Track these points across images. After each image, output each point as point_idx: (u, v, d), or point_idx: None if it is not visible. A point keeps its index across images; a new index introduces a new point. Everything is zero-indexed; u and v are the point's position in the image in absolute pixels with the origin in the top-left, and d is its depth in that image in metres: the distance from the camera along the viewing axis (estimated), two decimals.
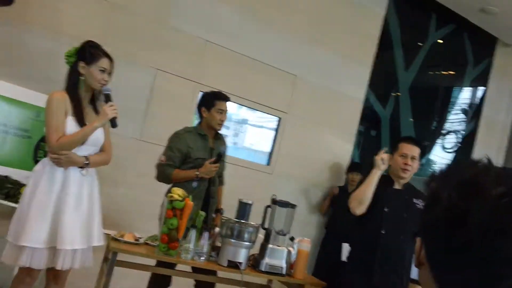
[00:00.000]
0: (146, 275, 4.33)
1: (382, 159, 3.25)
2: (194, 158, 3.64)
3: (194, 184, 3.60)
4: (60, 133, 2.82)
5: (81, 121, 2.89)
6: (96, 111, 3.04)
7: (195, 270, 3.58)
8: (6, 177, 3.79)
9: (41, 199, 2.76)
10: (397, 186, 3.35)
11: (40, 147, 4.02)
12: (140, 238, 3.21)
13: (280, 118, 5.55)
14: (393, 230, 3.23)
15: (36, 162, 3.91)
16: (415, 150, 3.30)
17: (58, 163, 2.81)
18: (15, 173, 3.85)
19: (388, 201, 3.27)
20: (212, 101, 3.74)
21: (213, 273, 3.54)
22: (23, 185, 3.71)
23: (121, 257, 3.01)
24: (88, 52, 2.95)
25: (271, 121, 5.63)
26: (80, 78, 2.95)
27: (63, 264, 2.79)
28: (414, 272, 3.36)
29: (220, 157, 3.62)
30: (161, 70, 4.83)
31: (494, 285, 0.84)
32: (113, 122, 2.97)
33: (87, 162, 2.90)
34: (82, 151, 2.90)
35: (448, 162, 7.22)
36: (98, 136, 2.96)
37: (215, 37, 5.08)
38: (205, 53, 5.05)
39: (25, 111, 3.98)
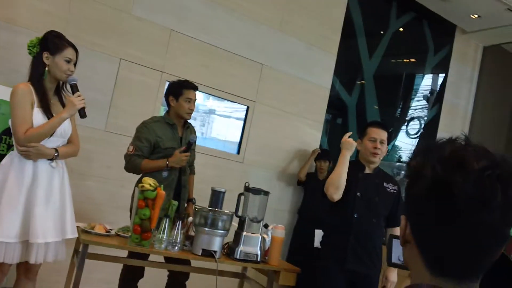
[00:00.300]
0: (117, 268, 4.25)
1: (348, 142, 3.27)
2: (164, 148, 3.57)
3: (165, 173, 3.54)
4: (28, 125, 2.74)
5: (48, 113, 2.81)
6: (62, 102, 2.97)
7: (168, 260, 3.54)
8: None
9: (11, 193, 2.69)
10: (367, 170, 3.38)
11: (2, 140, 3.88)
12: (111, 229, 3.14)
13: (248, 107, 5.53)
14: (365, 214, 3.27)
15: None
16: (383, 134, 3.34)
17: (27, 155, 2.74)
18: None
19: (360, 186, 3.30)
20: (179, 90, 3.68)
21: (187, 262, 3.51)
22: None
23: (91, 249, 2.94)
24: (52, 42, 2.87)
25: (239, 111, 5.60)
26: (45, 69, 2.86)
27: (37, 258, 2.74)
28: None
29: (190, 146, 3.56)
30: (125, 60, 4.73)
31: (480, 254, 0.88)
32: (81, 113, 2.90)
33: (56, 154, 2.83)
34: (50, 143, 2.83)
35: (414, 147, 7.35)
36: (65, 127, 2.90)
37: (180, 26, 5.01)
38: (170, 43, 4.98)
39: None
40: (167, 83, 4.95)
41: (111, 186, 4.68)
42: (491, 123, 7.46)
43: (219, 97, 5.42)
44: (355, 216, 3.24)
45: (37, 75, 2.86)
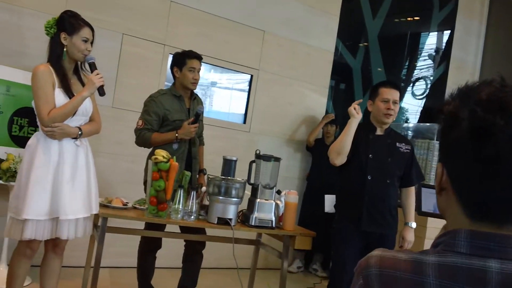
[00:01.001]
0: (133, 241, 4.32)
1: (355, 109, 3.23)
2: (172, 120, 3.57)
3: (175, 146, 3.55)
4: (51, 105, 2.78)
5: (69, 92, 2.84)
6: (81, 81, 2.99)
7: (184, 230, 3.59)
8: None
9: (39, 172, 2.74)
10: (379, 132, 3.35)
11: (14, 122, 3.91)
12: (128, 203, 3.19)
13: (251, 76, 5.51)
14: (379, 175, 3.26)
15: (12, 137, 3.84)
16: (396, 94, 3.29)
17: (52, 135, 2.78)
18: None
19: (372, 148, 3.29)
20: (183, 60, 3.65)
21: (202, 232, 3.56)
22: (2, 160, 3.64)
23: (109, 223, 3.00)
24: (68, 23, 2.87)
25: (241, 82, 5.59)
26: (63, 49, 2.87)
27: (68, 234, 2.81)
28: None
29: (198, 117, 3.55)
30: (128, 35, 4.71)
31: None
32: (100, 90, 2.92)
33: (80, 132, 2.88)
34: (73, 122, 2.87)
35: (420, 108, 7.33)
36: (87, 106, 2.93)
37: None
38: (171, 14, 4.94)
39: None
40: (171, 56, 4.95)
41: (122, 162, 4.71)
42: None
43: (222, 67, 5.40)
44: (369, 178, 3.24)
45: (55, 56, 2.87)
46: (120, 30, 4.67)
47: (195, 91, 3.76)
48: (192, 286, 3.72)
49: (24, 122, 3.95)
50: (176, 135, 3.51)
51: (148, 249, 3.63)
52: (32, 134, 3.89)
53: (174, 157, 3.09)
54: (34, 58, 4.12)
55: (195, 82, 3.65)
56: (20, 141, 3.92)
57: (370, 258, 0.95)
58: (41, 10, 4.26)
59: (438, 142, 4.95)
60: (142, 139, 3.59)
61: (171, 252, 4.07)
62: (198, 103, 3.80)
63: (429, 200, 1.20)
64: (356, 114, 3.19)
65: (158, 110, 3.57)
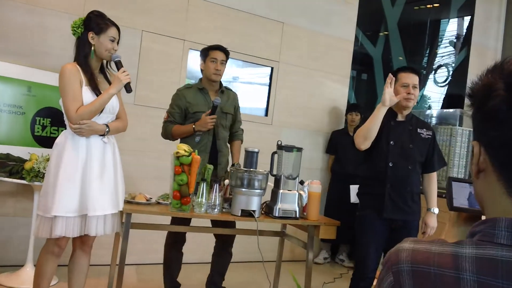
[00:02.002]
0: (155, 237, 4.36)
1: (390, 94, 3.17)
2: (192, 112, 3.63)
3: (197, 138, 3.60)
4: (78, 103, 2.81)
5: (96, 90, 2.88)
6: (107, 79, 3.03)
7: (215, 225, 3.63)
8: (7, 155, 3.75)
9: (67, 169, 2.78)
10: (400, 118, 3.33)
11: (37, 122, 3.96)
12: (151, 198, 3.20)
13: (272, 68, 5.49)
14: (400, 162, 3.24)
15: (35, 137, 3.89)
16: (415, 79, 3.28)
17: (80, 132, 2.82)
18: (16, 150, 3.81)
19: (393, 134, 3.27)
20: (206, 52, 3.72)
21: (231, 225, 3.59)
22: (25, 160, 3.68)
23: (134, 219, 3.02)
24: (95, 22, 2.91)
25: (263, 75, 5.57)
26: (91, 49, 2.91)
27: (97, 230, 2.84)
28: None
29: (215, 109, 3.54)
30: (147, 32, 4.74)
31: None
32: (127, 87, 2.95)
33: (107, 129, 2.92)
34: (100, 120, 2.90)
35: (443, 95, 7.23)
36: (113, 104, 2.97)
37: None
38: (189, 9, 4.95)
39: (16, 87, 3.90)
40: (191, 51, 4.97)
41: (146, 158, 4.75)
42: None
43: (243, 61, 5.38)
44: (390, 165, 3.22)
45: (83, 55, 2.91)
46: (139, 27, 4.69)
47: (230, 85, 3.80)
48: (220, 281, 3.75)
49: (47, 122, 4.00)
50: (193, 126, 3.56)
51: (173, 244, 3.65)
52: (55, 134, 3.98)
53: (196, 150, 3.11)
54: (54, 58, 4.17)
55: (217, 72, 3.66)
56: (43, 141, 3.98)
57: (401, 251, 0.87)
58: (60, 10, 4.31)
59: (461, 127, 4.87)
60: (165, 132, 3.70)
61: (198, 247, 4.09)
62: (229, 97, 3.81)
63: (461, 194, 1.13)
64: (387, 101, 3.15)
65: (180, 103, 3.65)
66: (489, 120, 0.85)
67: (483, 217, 0.89)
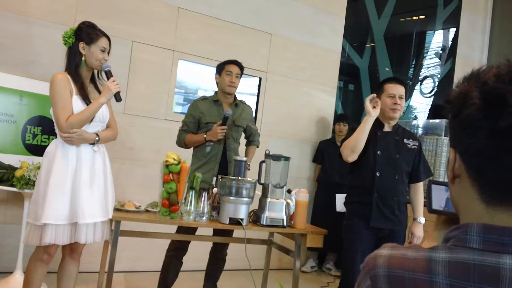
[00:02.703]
0: (143, 245, 4.40)
1: (376, 102, 3.24)
2: (205, 122, 3.77)
3: (208, 148, 3.75)
4: (68, 112, 2.85)
5: (86, 99, 2.92)
6: (98, 89, 3.07)
7: (216, 233, 3.78)
8: None
9: (58, 177, 2.81)
10: (387, 128, 3.39)
11: (28, 130, 3.99)
12: (140, 206, 3.24)
13: (260, 78, 5.56)
14: (387, 171, 3.30)
15: (26, 145, 3.92)
16: (401, 89, 3.34)
17: (70, 141, 2.85)
18: (6, 158, 3.83)
19: (380, 144, 3.32)
20: (221, 66, 3.89)
21: (229, 234, 3.73)
22: (16, 168, 3.71)
23: (122, 227, 3.04)
24: (86, 33, 2.96)
25: (251, 85, 5.63)
26: (81, 59, 2.96)
27: (86, 238, 2.87)
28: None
29: (226, 120, 3.69)
30: (137, 42, 4.79)
31: None
32: (117, 96, 2.99)
33: (97, 138, 2.96)
34: (91, 128, 2.94)
35: (428, 106, 7.33)
36: (104, 113, 3.01)
37: (187, 3, 5.03)
38: (179, 20, 5.01)
39: (8, 96, 3.92)
40: (180, 61, 5.03)
41: (135, 167, 4.78)
42: None
43: None
44: (377, 175, 3.28)
45: (74, 64, 2.95)
46: (129, 37, 4.74)
47: (243, 99, 4.02)
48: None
49: (37, 131, 4.03)
50: (205, 136, 3.70)
51: (175, 251, 3.72)
52: (46, 142, 4.01)
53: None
54: (45, 67, 4.21)
55: (232, 85, 3.84)
56: (34, 149, 4.00)
57: (378, 257, 0.90)
58: (52, 20, 4.35)
59: (446, 138, 4.95)
60: (179, 140, 3.87)
61: (190, 255, 4.12)
62: (243, 109, 3.96)
63: (440, 197, 1.15)
64: (372, 112, 3.21)
65: (194, 113, 3.82)
66: (464, 128, 0.87)
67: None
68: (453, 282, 0.80)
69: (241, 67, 3.92)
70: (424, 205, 3.60)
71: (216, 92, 3.95)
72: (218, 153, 3.76)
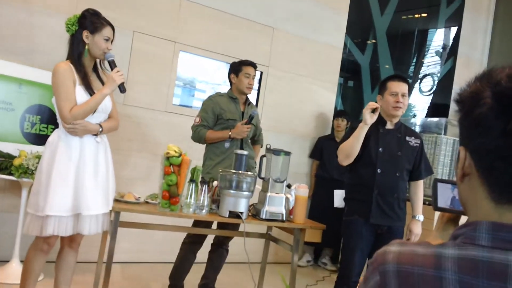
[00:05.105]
0: (141, 237, 4.39)
1: (374, 110, 3.18)
2: (226, 119, 3.82)
3: (226, 144, 3.79)
4: (72, 103, 2.80)
5: (89, 90, 2.88)
6: (100, 79, 3.03)
7: (220, 226, 3.80)
8: None
9: (61, 168, 2.77)
10: (389, 126, 3.38)
11: (26, 119, 3.97)
12: (139, 197, 3.23)
13: (261, 72, 5.55)
14: (388, 169, 3.29)
15: (24, 134, 3.90)
16: (404, 87, 3.33)
17: (74, 132, 2.82)
18: (5, 147, 3.81)
19: (382, 141, 3.32)
20: (239, 67, 3.94)
21: (235, 227, 3.73)
22: (14, 157, 3.69)
23: (122, 218, 3.04)
24: (90, 21, 2.90)
25: None
26: (85, 47, 2.91)
27: (90, 230, 2.84)
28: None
29: (251, 119, 3.78)
30: (138, 32, 4.76)
31: None
32: (121, 87, 2.96)
33: (101, 129, 2.92)
34: (93, 119, 2.90)
35: (427, 104, 7.33)
36: (106, 103, 2.96)
37: None
38: (181, 12, 4.99)
39: (7, 84, 3.90)
40: (181, 53, 5.00)
41: (134, 158, 4.77)
42: None
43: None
44: (378, 171, 3.27)
45: (77, 53, 2.90)
46: (130, 28, 4.72)
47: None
48: (213, 281, 3.93)
49: (36, 119, 4.01)
50: (230, 133, 3.74)
51: (190, 244, 3.75)
52: (44, 131, 3.99)
53: (186, 152, 3.15)
54: (45, 56, 4.19)
55: (250, 87, 3.94)
56: (32, 138, 3.99)
57: (387, 253, 0.90)
58: (53, 8, 4.32)
59: (445, 136, 4.95)
60: (197, 135, 3.84)
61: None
62: (252, 107, 4.05)
63: (446, 196, 1.15)
64: (368, 120, 3.16)
65: (214, 109, 3.84)
66: (476, 127, 0.88)
67: (463, 218, 0.93)
68: (462, 278, 0.81)
69: (256, 67, 4.01)
70: (425, 203, 3.60)
71: (230, 89, 3.99)
72: (236, 149, 3.75)
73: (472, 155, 0.90)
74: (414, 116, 7.44)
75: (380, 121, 3.35)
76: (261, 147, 4.21)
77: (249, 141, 3.99)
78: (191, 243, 3.75)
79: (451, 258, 0.83)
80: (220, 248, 3.93)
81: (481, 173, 0.89)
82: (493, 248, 0.83)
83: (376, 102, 3.41)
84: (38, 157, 3.60)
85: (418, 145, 3.41)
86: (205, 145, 3.90)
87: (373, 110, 3.16)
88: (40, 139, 3.97)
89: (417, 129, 6.19)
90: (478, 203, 0.90)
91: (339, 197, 5.47)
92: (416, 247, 0.89)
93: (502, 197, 0.86)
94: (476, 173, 0.89)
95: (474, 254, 0.83)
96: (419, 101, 7.56)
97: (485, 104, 0.86)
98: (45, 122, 4.05)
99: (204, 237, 3.76)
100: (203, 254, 3.95)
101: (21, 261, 3.53)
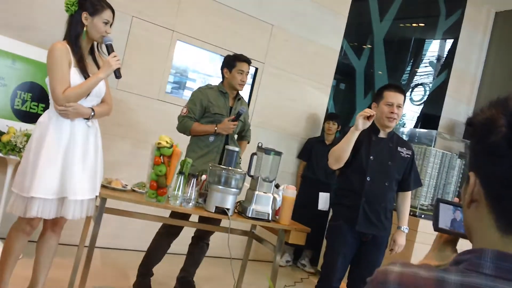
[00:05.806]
0: (122, 223, 4.36)
1: (369, 116, 3.17)
2: (213, 113, 3.78)
3: (211, 138, 3.76)
4: (66, 84, 2.75)
5: (84, 73, 2.83)
6: (96, 62, 2.98)
7: (201, 220, 3.76)
8: None
9: (50, 150, 2.73)
10: (382, 135, 3.37)
11: (17, 95, 3.91)
12: (126, 185, 3.20)
13: (256, 68, 5.53)
14: (378, 177, 3.28)
15: (14, 110, 3.84)
16: (400, 98, 3.32)
17: (66, 115, 2.77)
18: None
19: (373, 149, 3.31)
20: (233, 62, 3.87)
21: (216, 222, 3.71)
22: (3, 133, 3.63)
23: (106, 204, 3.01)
24: (91, 3, 2.84)
25: None
26: (83, 29, 2.85)
27: (74, 214, 2.81)
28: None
29: (239, 116, 3.74)
30: (137, 18, 4.72)
31: None
32: (117, 73, 2.91)
33: (93, 113, 2.87)
34: (86, 103, 2.85)
35: (417, 114, 7.36)
36: (100, 87, 2.91)
37: None
38: (182, 1, 4.95)
39: (0, 58, 3.84)
40: (178, 42, 4.97)
41: (123, 144, 4.73)
42: (500, 90, 7.40)
43: None
44: (368, 179, 3.27)
45: (75, 34, 2.84)
46: (130, 13, 4.67)
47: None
48: (192, 276, 3.89)
49: (27, 97, 3.96)
50: (215, 128, 3.71)
51: (165, 235, 3.73)
52: (35, 109, 3.94)
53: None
54: (42, 34, 4.13)
55: (242, 83, 3.89)
56: (22, 115, 3.93)
57: (389, 273, 0.89)
58: None
59: (435, 149, 4.96)
60: (183, 126, 3.80)
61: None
62: (241, 104, 3.98)
63: (447, 217, 1.15)
64: (360, 125, 3.14)
65: (203, 101, 3.79)
66: (488, 155, 0.87)
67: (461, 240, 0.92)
68: None
69: (250, 63, 3.94)
70: (411, 215, 3.61)
71: (222, 83, 3.94)
72: (220, 144, 3.77)
73: (482, 182, 0.89)
74: (404, 125, 7.46)
75: (373, 129, 3.34)
76: (248, 143, 4.20)
77: (235, 136, 3.96)
78: (167, 234, 3.72)
79: (454, 284, 0.82)
80: (200, 242, 3.91)
81: (489, 201, 0.88)
82: (496, 277, 0.82)
83: (369, 108, 3.41)
84: (27, 135, 3.55)
85: (409, 156, 3.41)
86: (189, 137, 3.87)
87: (368, 117, 3.15)
88: (29, 117, 3.92)
89: (405, 138, 6.20)
90: (483, 231, 0.89)
91: (323, 199, 5.49)
92: (419, 270, 0.88)
93: (509, 227, 0.86)
94: (484, 200, 0.89)
95: (477, 282, 0.82)
96: (409, 110, 7.58)
97: (500, 133, 0.86)
98: (36, 100, 3.99)
99: (180, 228, 3.72)
100: (183, 246, 3.94)
101: (2, 239, 3.48)
